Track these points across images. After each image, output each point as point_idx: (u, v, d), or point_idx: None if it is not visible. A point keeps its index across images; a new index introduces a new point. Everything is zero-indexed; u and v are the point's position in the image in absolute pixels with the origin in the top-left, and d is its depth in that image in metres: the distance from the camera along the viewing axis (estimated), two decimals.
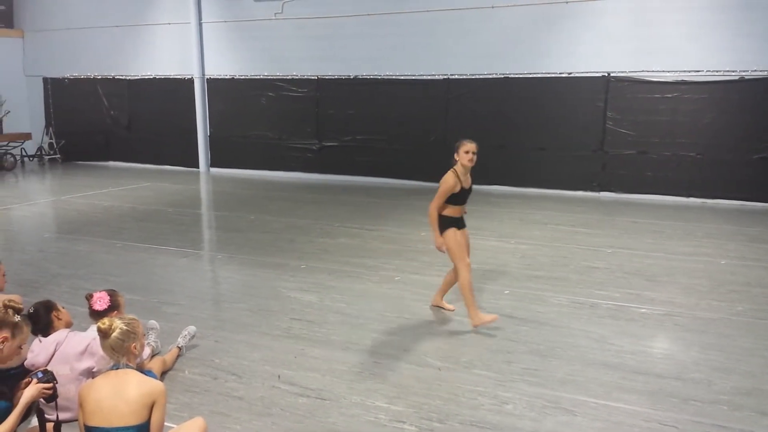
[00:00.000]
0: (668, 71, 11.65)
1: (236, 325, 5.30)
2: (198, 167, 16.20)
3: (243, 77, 15.39)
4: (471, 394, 4.07)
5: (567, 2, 12.26)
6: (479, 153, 5.30)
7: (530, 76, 12.68)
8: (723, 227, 9.41)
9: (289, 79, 14.86)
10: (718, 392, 4.08)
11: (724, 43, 11.28)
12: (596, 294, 6.12)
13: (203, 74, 15.83)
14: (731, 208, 11.12)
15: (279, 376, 4.31)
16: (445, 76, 13.36)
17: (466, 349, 4.84)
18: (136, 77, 16.62)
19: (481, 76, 13.08)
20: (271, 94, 15.08)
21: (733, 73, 11.25)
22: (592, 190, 12.51)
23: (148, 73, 16.47)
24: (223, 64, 15.63)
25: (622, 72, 11.99)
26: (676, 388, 4.14)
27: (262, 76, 15.11)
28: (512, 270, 7.02)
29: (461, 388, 4.15)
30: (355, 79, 14.22)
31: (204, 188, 13.82)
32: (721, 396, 4.02)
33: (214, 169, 16.13)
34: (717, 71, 11.33)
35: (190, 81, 15.89)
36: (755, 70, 11.11)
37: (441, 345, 4.90)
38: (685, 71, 11.53)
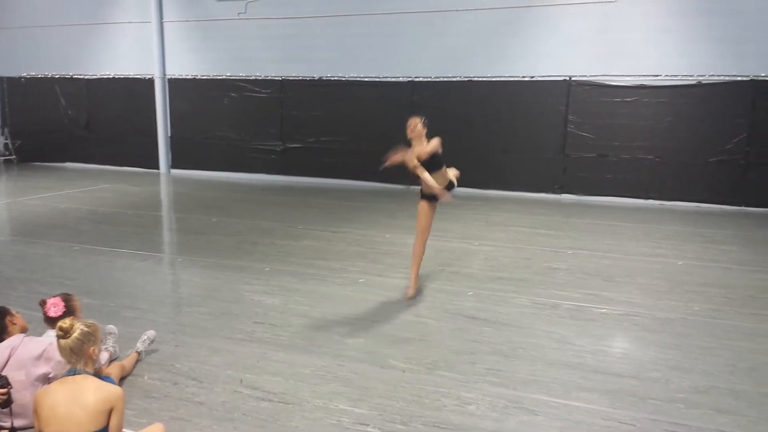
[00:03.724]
0: (628, 75, 11.89)
1: (197, 330, 5.22)
2: (158, 169, 15.95)
3: (205, 77, 15.21)
4: (434, 395, 4.08)
5: (529, 7, 12.43)
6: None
7: (493, 79, 12.81)
8: (680, 229, 9.63)
9: (252, 79, 14.75)
10: (675, 390, 4.16)
11: (682, 48, 11.56)
12: (557, 295, 6.20)
13: (164, 74, 15.61)
14: (688, 210, 11.39)
15: (241, 381, 4.26)
16: (410, 79, 13.41)
17: (430, 351, 4.85)
18: (95, 77, 16.30)
19: (445, 79, 13.17)
20: (233, 94, 14.94)
21: (691, 78, 11.53)
22: (554, 192, 12.69)
23: (108, 73, 16.17)
24: (185, 64, 15.43)
25: (583, 76, 12.19)
26: (634, 386, 4.22)
27: (224, 77, 14.97)
28: (476, 271, 7.07)
29: (425, 389, 4.16)
30: (320, 80, 14.18)
31: (164, 190, 13.61)
32: (678, 394, 4.11)
33: (175, 171, 15.90)
34: (675, 76, 11.60)
35: (151, 81, 15.65)
36: (712, 75, 11.41)
37: (405, 347, 4.90)
38: (644, 75, 11.79)
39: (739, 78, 11.26)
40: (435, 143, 5.78)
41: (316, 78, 14.22)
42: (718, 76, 11.38)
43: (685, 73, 11.55)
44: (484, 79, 12.88)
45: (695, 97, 11.57)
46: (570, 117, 12.40)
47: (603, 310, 5.77)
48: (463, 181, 12.95)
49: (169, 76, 15.65)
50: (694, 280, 6.79)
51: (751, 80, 11.19)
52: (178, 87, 15.58)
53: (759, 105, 11.20)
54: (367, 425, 3.72)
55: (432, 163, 5.72)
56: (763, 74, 11.14)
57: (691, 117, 11.68)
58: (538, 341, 5.02)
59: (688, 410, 3.90)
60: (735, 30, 11.19)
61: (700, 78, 11.48)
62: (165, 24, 15.49)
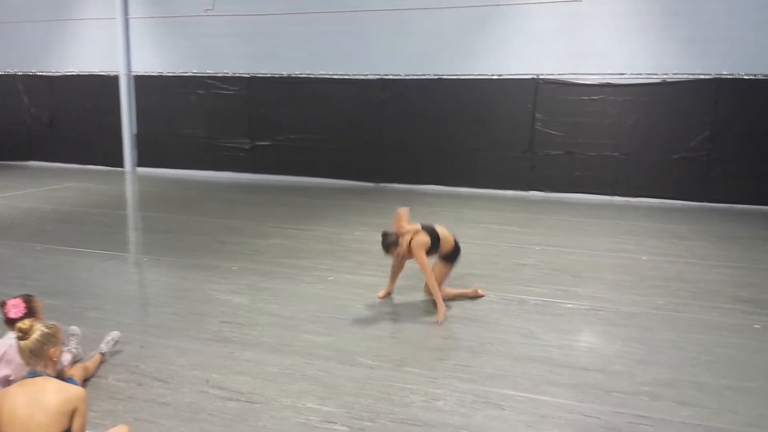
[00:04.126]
0: (594, 74, 12.05)
1: (163, 330, 5.15)
2: (124, 167, 15.72)
3: (172, 74, 15.02)
4: (402, 391, 4.09)
5: (498, 5, 12.51)
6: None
7: (462, 77, 12.88)
8: (645, 225, 9.80)
9: (220, 76, 14.61)
10: (640, 383, 4.23)
11: (647, 47, 11.75)
12: (525, 290, 6.26)
13: (129, 71, 15.38)
14: (653, 206, 11.59)
15: (208, 381, 4.22)
16: (380, 76, 13.41)
17: (399, 348, 4.86)
18: (59, 74, 15.99)
19: (415, 77, 13.19)
20: (201, 91, 14.79)
21: (656, 76, 11.73)
22: (522, 189, 12.81)
23: (72, 70, 15.87)
24: (151, 61, 15.22)
25: (550, 75, 12.32)
26: (599, 380, 4.28)
27: (191, 74, 14.80)
28: None
29: (393, 386, 4.16)
30: (289, 78, 14.10)
31: (130, 188, 13.41)
32: (642, 387, 4.17)
33: (141, 169, 15.68)
34: (640, 74, 11.79)
35: (116, 78, 15.41)
36: (676, 73, 11.63)
37: (373, 344, 4.90)
38: (610, 74, 11.96)
39: (702, 76, 11.49)
40: (420, 255, 5.50)
41: (285, 75, 14.13)
42: (682, 74, 11.60)
43: (650, 72, 11.75)
44: (453, 77, 12.94)
45: (660, 96, 11.78)
46: (537, 115, 12.52)
47: (570, 305, 5.84)
48: (433, 179, 13.20)
49: (134, 73, 15.41)
50: (659, 274, 6.91)
51: (714, 79, 11.43)
52: (144, 84, 15.35)
53: (721, 103, 11.45)
54: (335, 423, 3.71)
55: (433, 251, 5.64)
56: (725, 73, 11.38)
57: (655, 115, 11.89)
58: (505, 337, 5.06)
59: (651, 403, 3.96)
60: (699, 29, 11.41)
61: (665, 76, 11.69)
62: (130, 20, 15.25)
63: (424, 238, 5.54)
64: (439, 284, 5.63)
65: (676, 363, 4.58)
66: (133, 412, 3.82)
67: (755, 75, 11.24)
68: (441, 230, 5.75)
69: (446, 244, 5.72)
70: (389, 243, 5.53)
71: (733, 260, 7.63)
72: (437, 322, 5.33)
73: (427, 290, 5.74)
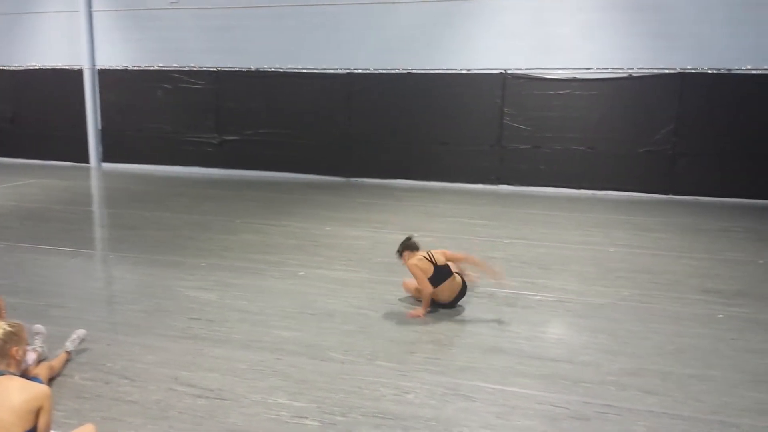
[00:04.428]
0: (561, 69, 12.17)
1: (130, 327, 5.08)
2: (88, 162, 15.44)
3: (137, 68, 14.79)
4: (373, 385, 4.09)
5: (466, 0, 12.55)
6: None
7: (431, 72, 12.91)
8: (611, 217, 9.95)
9: (186, 70, 14.42)
10: (606, 373, 4.29)
11: (613, 42, 11.91)
12: (495, 283, 6.29)
13: (93, 65, 15.10)
14: (619, 199, 11.77)
15: (176, 378, 4.16)
16: (348, 71, 13.36)
17: (369, 342, 4.85)
18: (21, 68, 15.61)
19: (383, 71, 13.18)
20: (167, 86, 14.58)
21: (621, 71, 11.90)
22: (491, 183, 12.90)
23: (34, 64, 15.52)
24: (116, 55, 14.96)
25: (518, 69, 12.41)
26: (567, 370, 4.33)
27: (157, 67, 14.58)
28: None
29: (364, 380, 4.16)
30: (256, 71, 13.98)
31: (95, 184, 13.17)
32: (608, 377, 4.24)
33: (106, 165, 15.43)
34: (606, 69, 11.95)
35: (80, 72, 15.11)
36: (641, 68, 11.81)
37: (344, 339, 4.89)
38: (576, 69, 12.09)
39: (667, 71, 11.69)
40: (418, 274, 5.42)
41: (252, 69, 14.00)
42: (647, 69, 11.79)
43: (615, 66, 11.91)
44: (422, 71, 12.97)
45: (625, 90, 11.95)
46: (506, 109, 12.61)
47: (538, 298, 5.90)
48: (403, 174, 13.22)
49: (99, 67, 15.13)
50: (624, 266, 7.02)
51: (679, 73, 11.63)
52: (108, 78, 15.09)
53: (686, 97, 11.66)
54: (306, 418, 3.69)
55: (439, 277, 5.47)
56: (690, 67, 11.59)
57: (621, 109, 12.06)
58: (475, 329, 5.10)
59: (618, 392, 4.03)
60: (664, 24, 11.60)
61: (630, 71, 11.86)
62: (94, 13, 14.96)
63: (426, 266, 5.44)
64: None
65: (642, 353, 4.66)
66: (100, 411, 3.76)
67: (718, 69, 11.46)
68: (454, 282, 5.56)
69: (448, 291, 5.54)
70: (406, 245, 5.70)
71: (698, 252, 7.79)
72: (412, 315, 5.33)
73: (408, 287, 5.80)
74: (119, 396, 3.95)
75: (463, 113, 12.87)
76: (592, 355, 4.60)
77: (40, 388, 2.96)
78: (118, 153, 15.31)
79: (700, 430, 3.57)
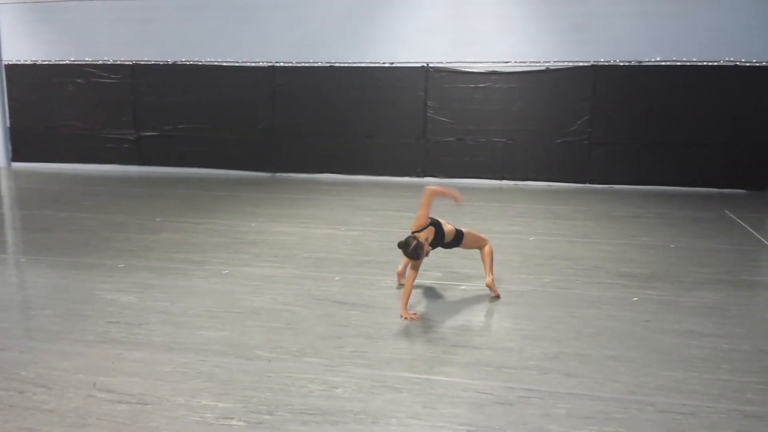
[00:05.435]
0: (480, 62, 12.40)
1: (44, 333, 4.85)
2: None
3: (46, 63, 14.12)
4: (301, 382, 4.06)
5: None
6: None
7: (354, 65, 12.90)
8: (532, 206, 10.24)
9: (99, 64, 13.88)
10: (528, 358, 4.42)
11: (531, 36, 12.23)
12: (421, 275, 6.33)
13: (0, 60, 14.29)
14: (539, 189, 12.13)
15: (95, 384, 4.01)
16: (271, 64, 13.19)
17: (297, 338, 4.82)
18: None
19: (307, 65, 13.08)
20: (79, 80, 13.99)
21: (538, 64, 12.23)
22: (417, 175, 13.04)
23: None
24: (23, 49, 14.24)
25: (440, 62, 12.57)
26: (490, 357, 4.43)
27: (68, 62, 13.96)
28: (342, 256, 7.10)
29: (291, 377, 4.13)
30: (174, 65, 13.60)
31: (5, 185, 12.51)
32: (530, 362, 4.36)
33: (16, 164, 14.68)
34: (524, 62, 12.26)
35: None
36: (557, 61, 12.17)
37: (271, 336, 4.83)
38: (495, 62, 12.36)
39: (581, 63, 12.10)
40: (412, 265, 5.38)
41: (170, 62, 13.61)
42: (562, 62, 12.16)
43: (533, 60, 12.24)
44: (345, 64, 12.94)
45: (542, 83, 12.31)
46: (429, 102, 12.76)
47: (463, 287, 6.01)
48: (328, 168, 13.17)
49: (6, 62, 14.37)
50: (544, 253, 7.24)
51: (592, 65, 12.07)
52: (16, 73, 14.35)
53: (599, 88, 12.11)
54: (232, 418, 3.63)
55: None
56: (602, 60, 12.03)
57: (539, 101, 12.41)
58: (401, 321, 5.14)
59: (540, 376, 4.15)
60: (578, 18, 12.00)
61: (548, 64, 12.21)
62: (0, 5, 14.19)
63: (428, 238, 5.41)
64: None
65: (562, 337, 4.81)
66: (14, 422, 3.58)
67: (630, 62, 11.95)
68: (447, 228, 5.63)
69: (449, 237, 5.62)
70: (417, 248, 5.26)
71: (613, 237, 8.12)
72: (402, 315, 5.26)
73: (401, 277, 5.93)
74: (35, 405, 3.77)
75: (388, 107, 12.94)
76: (515, 341, 4.72)
77: None
78: (30, 152, 14.58)
79: (618, 410, 3.72)
